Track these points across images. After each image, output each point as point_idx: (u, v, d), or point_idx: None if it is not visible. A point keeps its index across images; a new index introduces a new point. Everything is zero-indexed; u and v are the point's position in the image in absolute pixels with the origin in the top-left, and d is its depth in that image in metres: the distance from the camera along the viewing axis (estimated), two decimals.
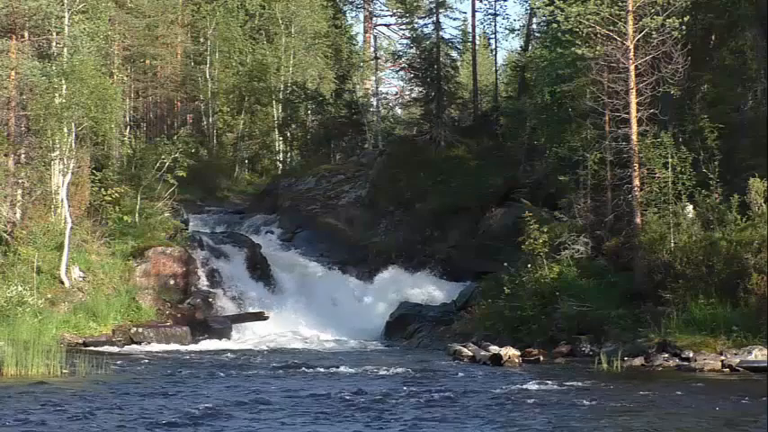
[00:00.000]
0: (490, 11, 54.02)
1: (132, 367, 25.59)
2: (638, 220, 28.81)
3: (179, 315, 34.34)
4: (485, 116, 49.71)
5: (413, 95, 52.09)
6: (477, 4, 52.67)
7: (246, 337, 33.96)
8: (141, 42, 53.78)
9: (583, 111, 31.83)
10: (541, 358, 26.51)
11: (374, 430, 16.59)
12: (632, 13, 29.42)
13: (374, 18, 61.63)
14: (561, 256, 30.14)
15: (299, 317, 35.81)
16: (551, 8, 30.93)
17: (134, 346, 31.29)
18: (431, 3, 48.47)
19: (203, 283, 36.49)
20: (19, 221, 33.01)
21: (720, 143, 29.24)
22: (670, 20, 28.91)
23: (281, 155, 56.20)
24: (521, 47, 52.27)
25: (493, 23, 54.93)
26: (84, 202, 35.46)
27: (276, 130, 55.94)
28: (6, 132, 33.39)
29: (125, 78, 49.54)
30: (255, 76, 56.99)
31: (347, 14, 64.07)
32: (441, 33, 47.44)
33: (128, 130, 48.13)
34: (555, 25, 31.70)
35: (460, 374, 24.01)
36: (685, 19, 29.09)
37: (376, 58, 53.36)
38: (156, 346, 31.46)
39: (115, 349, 30.41)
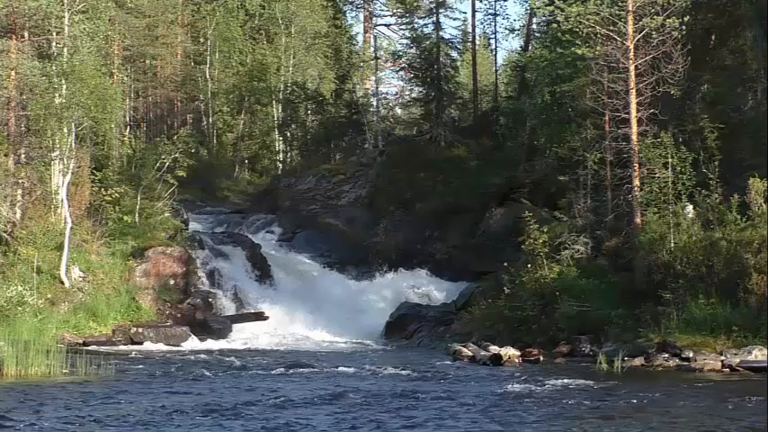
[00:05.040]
0: (490, 11, 54.14)
1: (132, 367, 25.58)
2: (638, 220, 28.82)
3: (179, 315, 34.39)
4: (485, 116, 49.68)
5: (413, 95, 52.12)
6: (477, 4, 52.76)
7: (246, 337, 33.96)
8: (141, 42, 53.86)
9: (583, 111, 31.83)
10: (541, 358, 26.50)
11: (374, 430, 16.58)
12: (632, 13, 29.44)
13: (374, 18, 61.67)
14: (561, 256, 30.14)
15: (299, 317, 35.83)
16: (551, 8, 30.96)
17: (134, 346, 31.31)
18: (431, 3, 48.47)
19: (203, 283, 36.53)
20: (19, 221, 33.01)
21: (720, 143, 29.24)
22: (670, 20, 28.93)
23: (281, 155, 56.18)
24: (521, 47, 52.26)
25: (493, 23, 55.08)
26: (84, 202, 35.46)
27: (276, 130, 55.91)
28: (6, 132, 33.39)
29: (125, 78, 49.59)
30: (255, 76, 56.96)
31: (347, 14, 64.09)
32: (441, 33, 47.46)
33: (128, 130, 48.18)
34: (555, 25, 31.74)
35: (460, 374, 24.01)
36: (685, 19, 29.15)
37: (376, 58, 53.29)
38: (156, 346, 31.49)
39: (115, 349, 30.42)
